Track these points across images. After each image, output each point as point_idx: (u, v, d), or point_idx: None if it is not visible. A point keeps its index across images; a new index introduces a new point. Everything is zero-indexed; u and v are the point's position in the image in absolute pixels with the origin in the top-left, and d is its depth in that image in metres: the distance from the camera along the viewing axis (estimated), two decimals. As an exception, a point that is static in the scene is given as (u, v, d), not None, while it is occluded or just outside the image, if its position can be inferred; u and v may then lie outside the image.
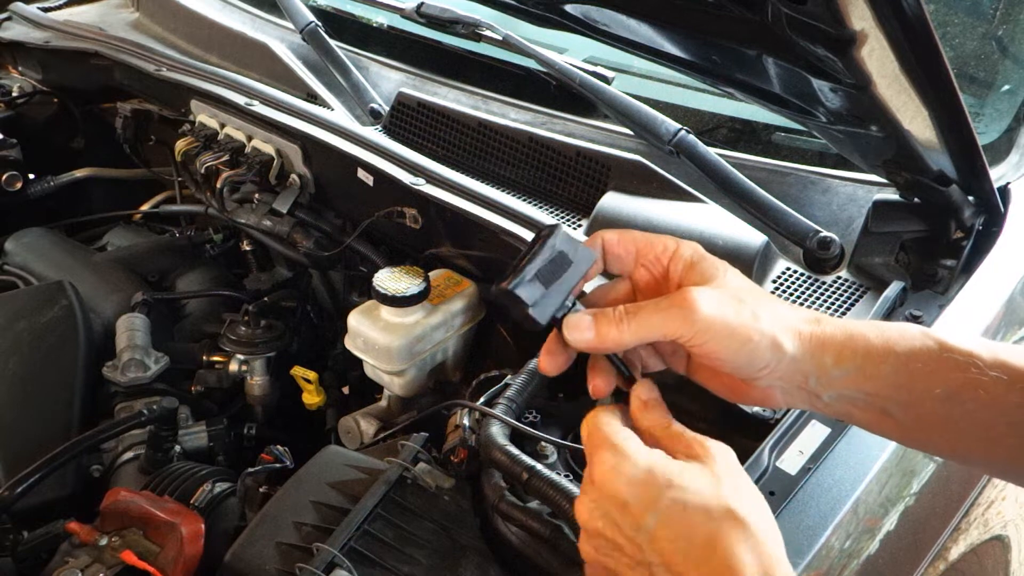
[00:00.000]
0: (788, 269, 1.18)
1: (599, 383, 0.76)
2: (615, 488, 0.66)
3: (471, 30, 1.55)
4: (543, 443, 1.03)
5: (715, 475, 0.66)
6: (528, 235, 1.24)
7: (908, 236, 1.13)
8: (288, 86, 1.73)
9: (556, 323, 0.74)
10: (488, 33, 1.54)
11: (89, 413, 1.35)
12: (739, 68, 1.05)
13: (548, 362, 0.76)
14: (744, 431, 1.00)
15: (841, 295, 1.14)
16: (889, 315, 1.07)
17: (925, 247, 1.12)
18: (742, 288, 0.74)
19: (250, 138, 1.65)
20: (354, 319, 1.29)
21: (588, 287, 0.81)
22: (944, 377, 0.70)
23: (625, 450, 0.68)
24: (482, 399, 1.08)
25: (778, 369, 0.72)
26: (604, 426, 0.71)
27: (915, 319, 1.07)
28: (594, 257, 0.76)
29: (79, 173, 2.06)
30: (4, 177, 1.89)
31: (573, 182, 1.37)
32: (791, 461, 0.91)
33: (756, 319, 0.70)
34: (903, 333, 0.72)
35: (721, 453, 0.68)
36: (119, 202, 2.09)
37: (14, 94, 2.04)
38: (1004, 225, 1.12)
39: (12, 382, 1.36)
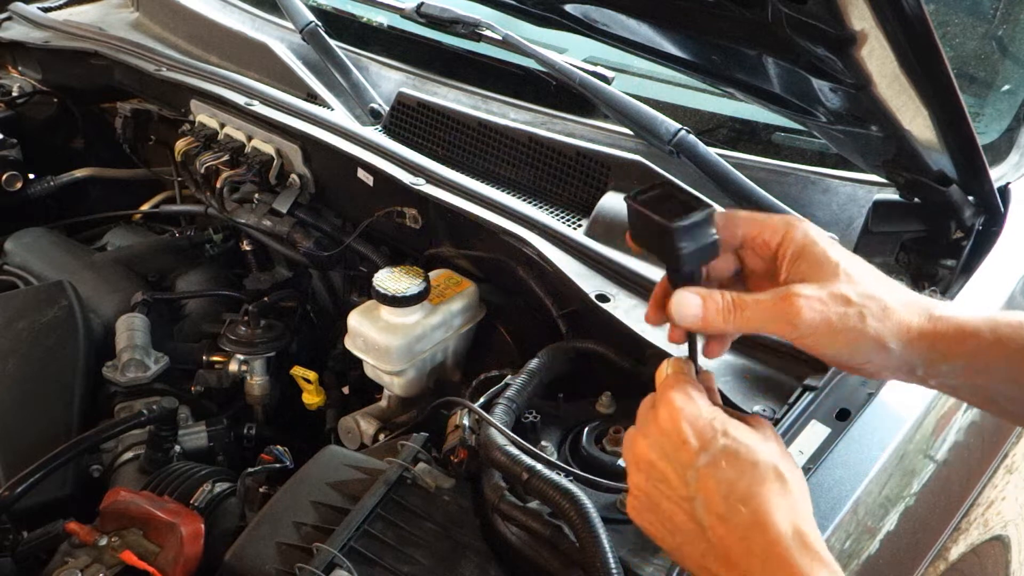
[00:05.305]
0: (788, 269, 1.18)
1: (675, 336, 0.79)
2: (678, 426, 0.70)
3: (471, 30, 1.55)
4: (543, 443, 1.03)
5: (765, 437, 0.71)
6: (528, 235, 1.25)
7: (908, 236, 1.13)
8: (288, 86, 1.73)
9: (680, 279, 0.75)
10: (488, 33, 1.54)
11: (89, 413, 1.35)
12: (739, 68, 1.05)
13: (655, 316, 0.78)
14: (744, 431, 1.00)
15: (841, 295, 1.13)
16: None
17: (925, 247, 1.12)
18: (853, 281, 0.72)
19: (250, 138, 1.65)
20: (354, 319, 1.29)
21: None
22: None
23: (694, 396, 0.72)
24: (482, 399, 1.08)
25: (883, 363, 0.73)
26: (681, 373, 0.75)
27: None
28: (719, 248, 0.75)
29: (79, 173, 2.06)
30: (4, 177, 1.89)
31: (573, 182, 1.37)
32: (791, 461, 0.91)
33: (863, 320, 0.70)
34: (1018, 328, 0.72)
35: (767, 423, 0.74)
36: (119, 202, 2.09)
37: (14, 94, 2.04)
38: (1004, 225, 1.12)
39: (12, 382, 1.36)
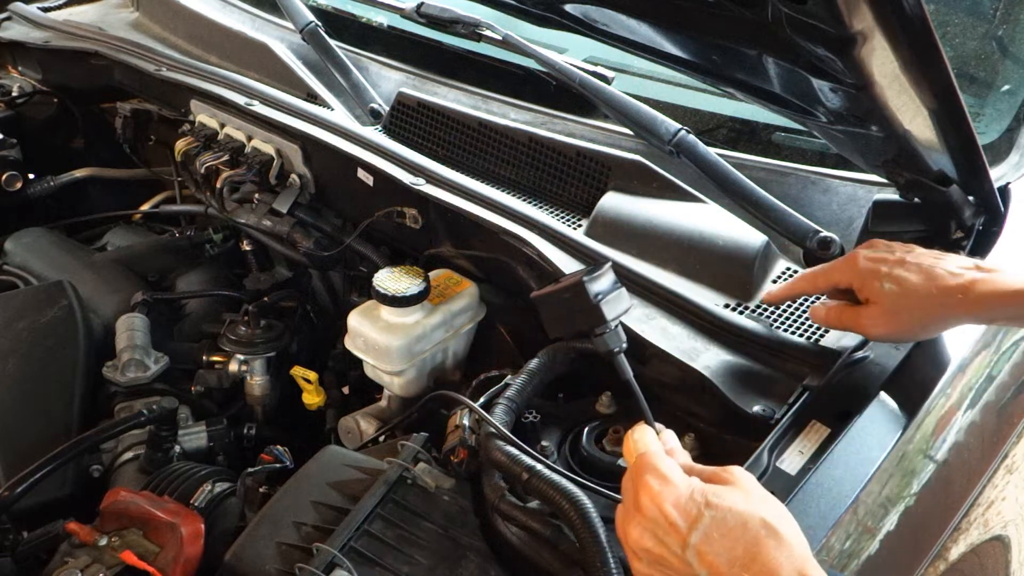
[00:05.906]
0: (788, 269, 1.18)
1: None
2: (663, 510, 0.74)
3: (471, 30, 1.55)
4: (544, 443, 1.03)
5: (744, 491, 0.75)
6: (528, 235, 1.25)
7: (908, 236, 1.13)
8: (288, 86, 1.73)
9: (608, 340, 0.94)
10: (488, 33, 1.54)
11: (89, 413, 1.35)
12: (739, 68, 1.05)
13: (777, 297, 1.05)
14: (744, 431, 1.00)
15: (841, 295, 1.13)
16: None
17: (925, 247, 1.12)
18: (906, 296, 0.91)
19: (250, 138, 1.65)
20: (354, 319, 1.29)
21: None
22: None
23: (669, 476, 0.76)
24: (482, 399, 1.08)
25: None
26: (651, 454, 0.80)
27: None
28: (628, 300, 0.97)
29: (79, 173, 2.06)
30: (4, 177, 1.89)
31: (573, 182, 1.37)
32: (791, 461, 0.91)
33: (918, 323, 0.93)
34: None
35: (741, 472, 0.78)
36: (119, 202, 2.09)
37: (14, 94, 2.04)
38: (1004, 225, 1.12)
39: (12, 382, 1.36)
